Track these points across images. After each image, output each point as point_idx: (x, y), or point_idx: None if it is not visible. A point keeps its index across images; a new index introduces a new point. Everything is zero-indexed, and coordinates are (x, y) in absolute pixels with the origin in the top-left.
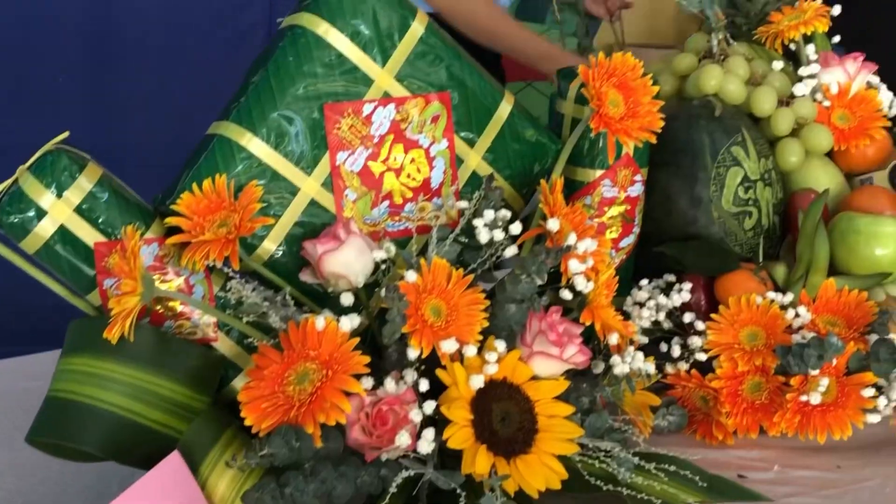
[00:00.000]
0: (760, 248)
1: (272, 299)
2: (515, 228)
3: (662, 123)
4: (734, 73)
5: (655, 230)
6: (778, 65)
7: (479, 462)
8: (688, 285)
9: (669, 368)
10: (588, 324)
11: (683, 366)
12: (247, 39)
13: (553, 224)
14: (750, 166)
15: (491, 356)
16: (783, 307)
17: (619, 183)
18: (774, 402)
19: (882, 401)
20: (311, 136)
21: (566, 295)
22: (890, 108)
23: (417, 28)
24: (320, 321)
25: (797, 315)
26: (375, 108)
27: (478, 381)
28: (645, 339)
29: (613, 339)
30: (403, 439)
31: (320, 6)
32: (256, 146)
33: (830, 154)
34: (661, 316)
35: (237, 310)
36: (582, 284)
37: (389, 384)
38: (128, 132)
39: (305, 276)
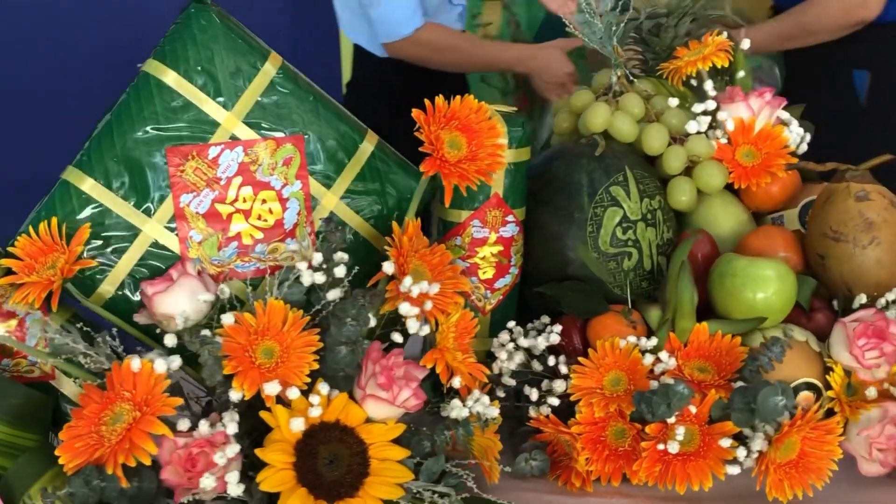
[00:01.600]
0: (628, 290)
1: (94, 341)
2: (340, 271)
3: (503, 166)
4: (627, 110)
5: (536, 270)
6: (673, 102)
7: None
8: (558, 327)
9: (532, 412)
10: (429, 367)
11: (545, 409)
12: None
13: (388, 267)
14: (630, 206)
15: (314, 399)
16: (646, 352)
17: (489, 224)
18: (636, 449)
19: (741, 451)
20: (154, 178)
21: (397, 338)
22: (799, 145)
23: (269, 71)
24: (136, 362)
25: (658, 360)
26: (222, 150)
27: (298, 424)
28: (512, 382)
29: (456, 383)
30: (208, 482)
31: (166, 53)
32: (95, 189)
33: (739, 192)
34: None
35: (59, 350)
36: (413, 327)
37: (203, 426)
38: None
39: (140, 318)
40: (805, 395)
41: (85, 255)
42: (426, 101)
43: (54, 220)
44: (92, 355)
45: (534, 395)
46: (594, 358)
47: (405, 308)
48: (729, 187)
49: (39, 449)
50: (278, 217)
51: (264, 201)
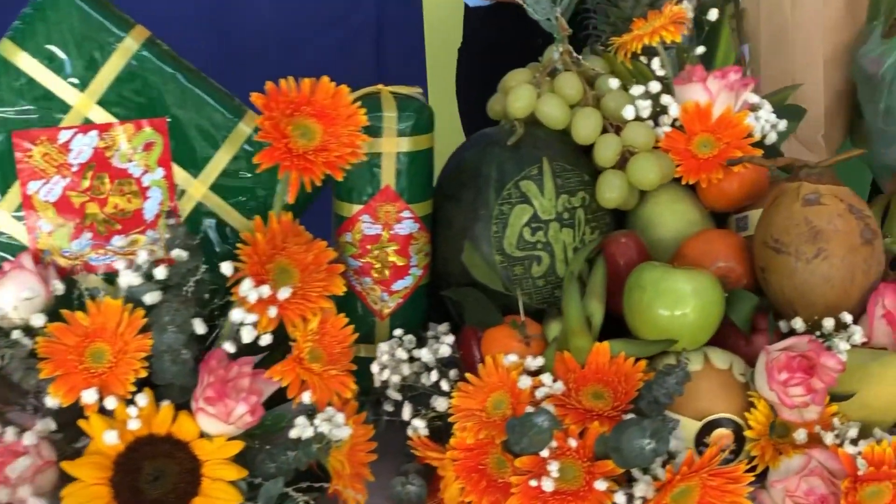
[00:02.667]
0: (520, 300)
1: None
2: (160, 273)
3: (360, 157)
4: (561, 92)
5: (445, 272)
6: (614, 83)
7: None
8: (449, 338)
9: (410, 431)
10: (277, 379)
11: (422, 429)
12: (358, 39)
13: (226, 268)
14: (542, 204)
15: (132, 410)
16: (531, 373)
17: (380, 220)
18: None
19: (621, 497)
20: (0, 165)
21: (228, 347)
22: (766, 134)
23: (129, 47)
24: None
25: (540, 383)
26: (74, 135)
27: (112, 437)
28: (398, 396)
29: (306, 398)
30: (1, 493)
31: (15, 31)
32: None
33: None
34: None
35: None
36: (248, 336)
37: (8, 433)
38: None
39: None
40: (720, 434)
41: None
42: (268, 84)
43: None
44: None
45: (406, 412)
46: (482, 376)
47: (237, 315)
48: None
49: None
50: (138, 207)
51: (122, 190)
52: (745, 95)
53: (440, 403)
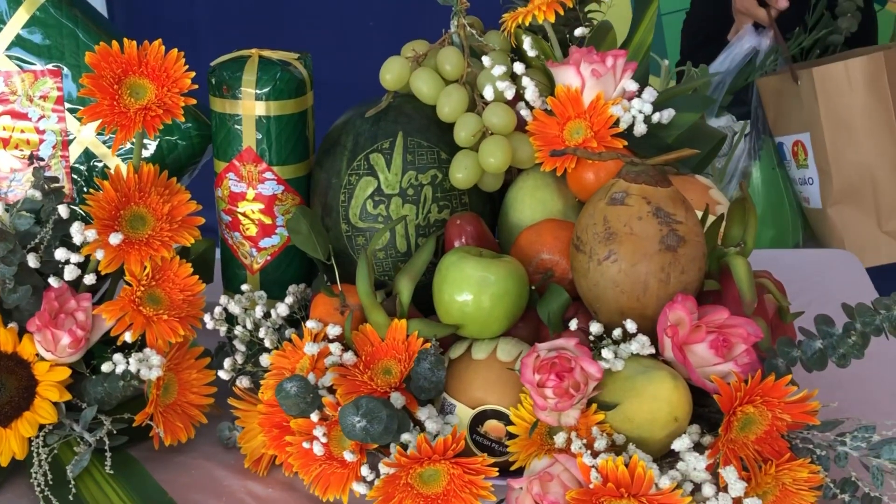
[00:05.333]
0: (336, 270)
1: None
2: None
3: (178, 117)
4: (439, 67)
5: None
6: (486, 61)
7: None
8: (289, 299)
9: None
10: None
11: (244, 382)
12: None
13: (62, 210)
14: (386, 178)
15: None
16: (331, 340)
17: (245, 179)
18: None
19: (365, 470)
20: None
21: (53, 282)
22: (633, 125)
23: (33, 3)
24: None
25: (326, 352)
26: None
27: None
28: (242, 348)
29: (128, 337)
30: None
31: None
32: None
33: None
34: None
35: None
36: (70, 274)
37: None
38: None
39: None
40: (492, 425)
41: None
42: (101, 44)
43: None
44: None
45: (226, 362)
46: (298, 339)
47: (60, 253)
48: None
49: None
50: (35, 149)
51: (22, 131)
52: (625, 83)
53: (262, 359)
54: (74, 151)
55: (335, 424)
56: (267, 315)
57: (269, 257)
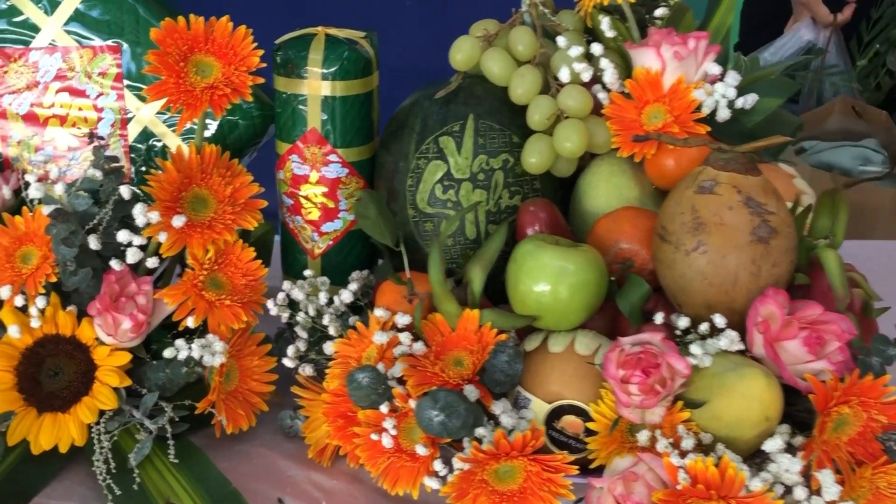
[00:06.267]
0: (405, 257)
1: None
2: (59, 188)
3: (246, 97)
4: (510, 48)
5: None
6: (562, 41)
7: None
8: (353, 286)
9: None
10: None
11: (307, 370)
12: None
13: (124, 191)
14: (457, 162)
15: (33, 310)
16: (400, 329)
17: (308, 161)
18: None
19: (439, 464)
20: None
21: (115, 265)
22: (716, 111)
23: None
24: None
25: (396, 341)
26: (42, 55)
27: (14, 331)
28: (304, 335)
29: (190, 322)
30: None
31: None
32: None
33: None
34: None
35: None
36: (133, 256)
37: None
38: None
39: None
40: (569, 421)
41: None
42: (167, 20)
43: None
44: None
45: (290, 349)
46: (364, 327)
47: (122, 235)
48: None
49: None
50: (93, 127)
51: (80, 109)
52: (707, 66)
53: (327, 347)
54: (133, 130)
55: (404, 416)
56: (330, 302)
57: (330, 242)
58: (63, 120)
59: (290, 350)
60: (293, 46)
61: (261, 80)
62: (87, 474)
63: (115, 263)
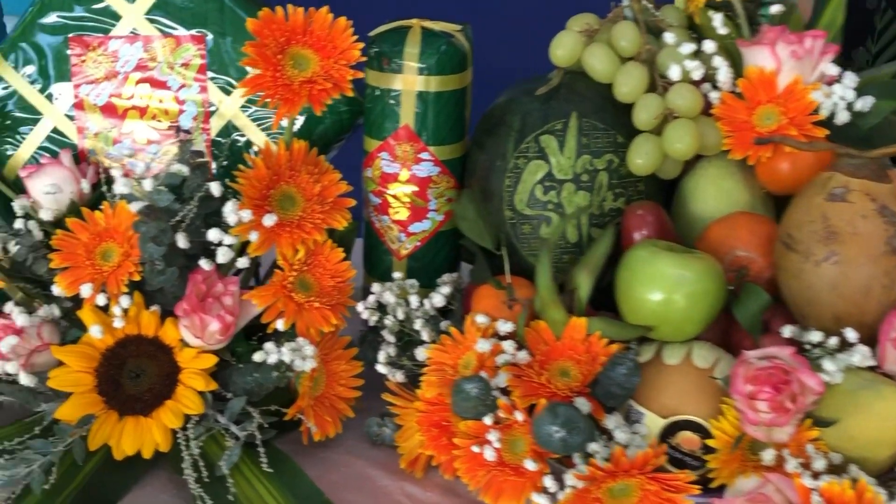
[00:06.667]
0: (507, 260)
1: None
2: (147, 184)
3: (347, 91)
4: (613, 43)
5: None
6: (670, 37)
7: (74, 408)
8: (445, 289)
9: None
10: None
11: (398, 376)
12: None
13: (215, 188)
14: (559, 162)
15: (116, 310)
16: (502, 337)
17: (399, 159)
18: None
19: (549, 481)
20: (58, 66)
21: (204, 264)
22: (835, 113)
23: None
24: None
25: (498, 350)
26: (122, 44)
27: (96, 331)
28: (391, 339)
29: (280, 325)
30: None
31: None
32: (8, 72)
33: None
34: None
35: None
36: (224, 256)
37: (14, 311)
38: None
39: (18, 201)
40: (686, 437)
41: None
42: (264, 9)
43: None
44: None
45: (381, 355)
46: (465, 333)
47: (213, 234)
48: None
49: None
50: (174, 119)
51: (161, 101)
52: (824, 66)
53: (419, 353)
54: (216, 124)
55: (508, 428)
56: (420, 305)
57: (418, 243)
58: (143, 112)
59: (381, 355)
60: (388, 39)
61: (361, 75)
62: (168, 480)
63: (204, 263)
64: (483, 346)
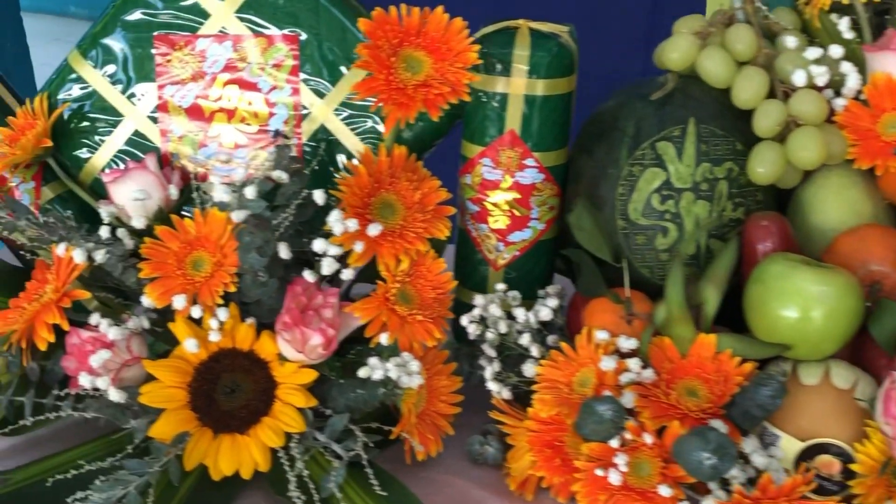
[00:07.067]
0: (626, 273)
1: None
2: (249, 192)
3: (463, 96)
4: (728, 46)
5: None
6: (791, 41)
7: (168, 425)
8: (553, 301)
9: (493, 390)
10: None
11: (504, 393)
12: None
13: (318, 196)
14: (677, 170)
15: (213, 322)
16: (623, 355)
17: (502, 165)
18: None
19: None
20: (140, 65)
21: (307, 276)
22: None
23: None
24: (60, 248)
25: (623, 368)
26: (210, 43)
27: (192, 345)
28: (492, 353)
29: (383, 339)
30: (84, 380)
31: None
32: (87, 71)
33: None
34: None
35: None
36: (328, 267)
37: (102, 325)
38: None
39: (102, 206)
40: (825, 461)
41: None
42: (377, 9)
43: (44, 96)
44: (35, 232)
45: (488, 372)
46: (576, 349)
47: (319, 245)
48: None
49: None
50: (263, 122)
51: (250, 103)
52: None
53: (528, 369)
54: (308, 128)
55: (633, 450)
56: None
57: (517, 252)
58: (231, 115)
59: (488, 372)
60: (496, 41)
61: (477, 78)
62: (263, 499)
63: (308, 274)
64: (608, 364)
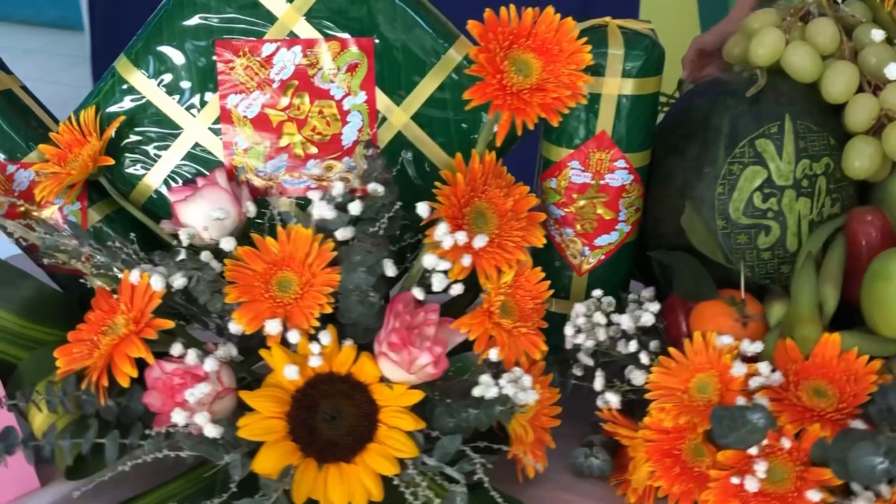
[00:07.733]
0: (742, 273)
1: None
2: (354, 208)
3: (581, 100)
4: (812, 41)
5: (656, 232)
6: (878, 35)
7: (270, 459)
8: (655, 306)
9: (600, 402)
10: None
11: (613, 401)
12: None
13: (422, 208)
14: (778, 167)
15: (314, 347)
16: (745, 358)
17: (591, 167)
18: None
19: None
20: (200, 73)
21: (417, 294)
22: None
23: None
24: (134, 275)
25: (754, 372)
26: (278, 49)
27: (292, 372)
28: (589, 361)
29: (493, 355)
30: (179, 417)
31: None
32: (140, 81)
33: None
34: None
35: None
36: (439, 283)
37: (190, 356)
38: None
39: (166, 226)
40: None
41: (124, 150)
42: (488, 11)
43: (92, 110)
44: (95, 257)
45: (599, 382)
46: (688, 353)
47: (429, 261)
48: None
49: (57, 344)
50: (336, 131)
51: (321, 112)
52: None
53: (637, 377)
54: (384, 136)
55: (769, 456)
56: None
57: (602, 257)
58: (301, 124)
59: (598, 382)
60: (588, 41)
61: (590, 80)
62: None
63: (417, 292)
64: (739, 369)
